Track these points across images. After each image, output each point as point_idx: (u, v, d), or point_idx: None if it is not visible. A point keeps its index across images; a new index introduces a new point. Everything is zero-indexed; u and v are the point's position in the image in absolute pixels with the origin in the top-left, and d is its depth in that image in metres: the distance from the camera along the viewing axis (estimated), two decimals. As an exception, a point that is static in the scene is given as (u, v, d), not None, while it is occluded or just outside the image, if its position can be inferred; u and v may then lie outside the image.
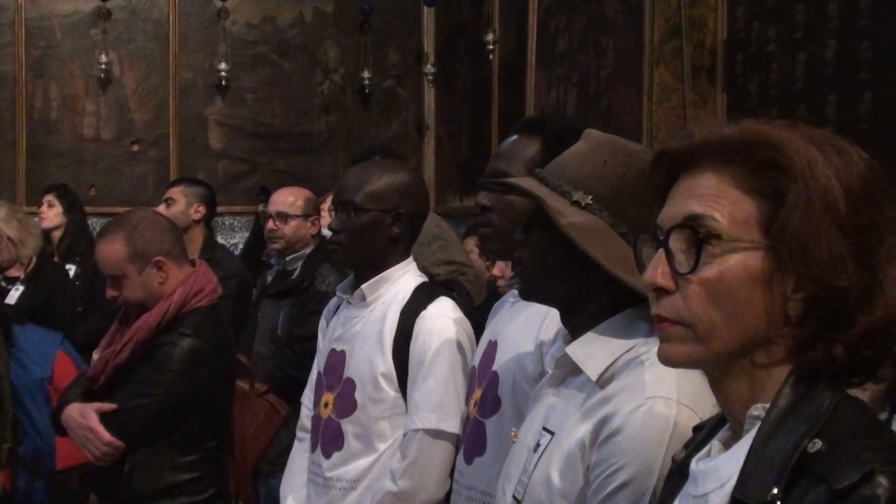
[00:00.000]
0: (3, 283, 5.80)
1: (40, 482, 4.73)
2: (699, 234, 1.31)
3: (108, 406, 3.36)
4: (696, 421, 1.67)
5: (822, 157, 1.29)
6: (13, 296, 5.68)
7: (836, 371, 1.28)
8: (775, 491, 1.19)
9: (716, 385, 1.38)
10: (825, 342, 1.27)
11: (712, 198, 1.32)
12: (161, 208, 5.71)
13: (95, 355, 3.55)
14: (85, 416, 3.35)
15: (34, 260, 5.86)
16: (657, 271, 1.35)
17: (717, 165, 1.34)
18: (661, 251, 1.35)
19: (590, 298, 1.95)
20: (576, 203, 1.92)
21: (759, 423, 1.27)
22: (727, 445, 1.37)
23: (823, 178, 1.27)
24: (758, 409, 1.29)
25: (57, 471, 4.62)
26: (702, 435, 1.46)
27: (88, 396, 3.47)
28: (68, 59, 8.72)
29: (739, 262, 1.30)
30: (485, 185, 2.34)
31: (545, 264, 1.96)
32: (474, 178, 8.21)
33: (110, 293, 3.46)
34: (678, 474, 1.46)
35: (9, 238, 5.66)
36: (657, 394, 1.75)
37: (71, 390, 3.58)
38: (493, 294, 5.33)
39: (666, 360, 1.37)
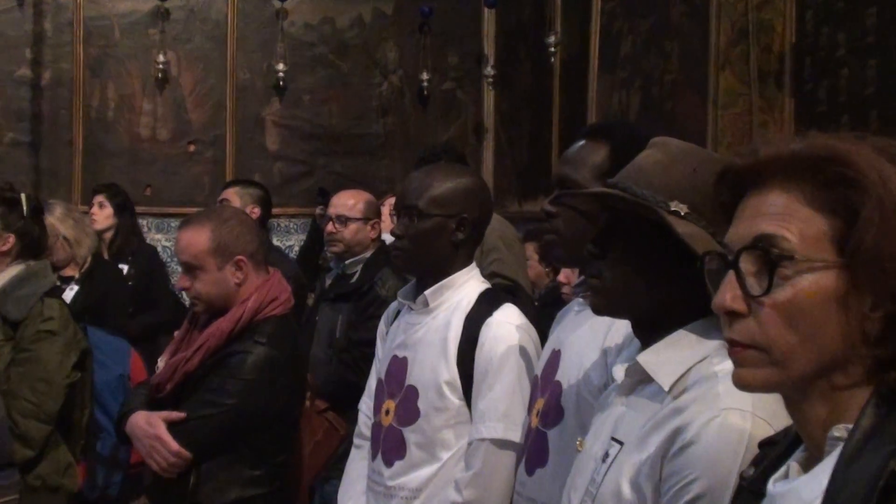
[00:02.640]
0: (59, 283, 5.84)
1: (116, 476, 4.79)
2: (771, 256, 1.30)
3: (176, 415, 3.29)
4: (772, 434, 1.68)
5: (890, 169, 1.27)
6: (68, 295, 5.70)
7: None
8: None
9: (792, 407, 1.38)
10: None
11: (782, 217, 1.31)
12: (216, 210, 5.76)
13: (161, 362, 3.50)
14: (152, 424, 3.29)
15: (89, 260, 5.91)
16: (727, 294, 1.34)
17: (784, 182, 1.33)
18: (731, 273, 1.35)
19: (670, 311, 1.95)
20: (674, 213, 1.91)
21: (840, 445, 1.26)
22: (805, 467, 1.36)
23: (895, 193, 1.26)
24: (840, 431, 1.28)
25: (131, 465, 4.65)
26: (774, 453, 1.46)
27: (153, 405, 3.41)
28: (126, 59, 8.81)
29: (813, 283, 1.28)
30: (568, 196, 2.29)
31: (630, 279, 1.96)
32: (533, 182, 8.23)
33: (182, 283, 3.43)
34: (749, 493, 1.45)
35: (64, 237, 5.71)
36: (732, 405, 1.75)
37: (134, 398, 3.53)
38: (552, 303, 5.33)
39: (742, 385, 1.37)
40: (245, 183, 6.27)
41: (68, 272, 5.84)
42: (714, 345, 1.90)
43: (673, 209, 1.91)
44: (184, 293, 4.31)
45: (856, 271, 1.26)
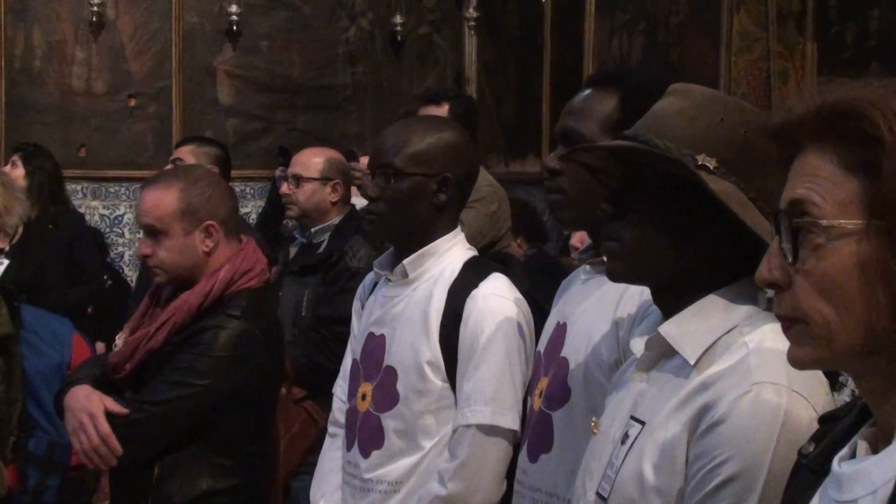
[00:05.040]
0: (-16, 256, 5.82)
1: (53, 479, 4.77)
2: (798, 222, 1.33)
3: (119, 409, 3.22)
4: (810, 410, 1.72)
5: None
6: (-3, 270, 5.71)
7: None
8: None
9: (859, 382, 1.40)
10: None
11: (813, 178, 1.34)
12: (168, 171, 5.75)
13: (119, 340, 3.45)
14: (91, 400, 3.23)
15: (20, 229, 5.87)
16: (767, 264, 1.38)
17: (818, 142, 1.36)
18: (775, 241, 1.38)
19: (694, 276, 1.97)
20: (702, 167, 1.93)
21: None
22: (874, 446, 1.37)
23: None
24: None
25: (73, 467, 4.64)
26: (838, 429, 1.47)
27: (109, 387, 3.34)
28: (55, 0, 8.73)
29: (845, 250, 1.30)
30: (581, 150, 2.27)
31: (653, 241, 1.97)
32: (521, 139, 8.25)
33: (143, 250, 3.40)
34: (808, 471, 1.47)
35: (-10, 205, 5.68)
36: (765, 379, 1.77)
37: (82, 370, 3.48)
38: (539, 270, 5.33)
39: (793, 363, 1.40)
40: (201, 140, 6.20)
41: (-3, 244, 5.83)
42: (744, 313, 1.92)
43: (701, 163, 1.93)
44: (123, 267, 4.27)
45: (890, 233, 1.28)
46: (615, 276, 2.08)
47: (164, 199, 3.34)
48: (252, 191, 8.85)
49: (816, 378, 1.79)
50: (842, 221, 1.31)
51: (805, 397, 1.76)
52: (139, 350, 3.34)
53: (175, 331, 3.31)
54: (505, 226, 5.04)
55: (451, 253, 3.04)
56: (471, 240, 3.24)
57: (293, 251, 5.32)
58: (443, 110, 5.01)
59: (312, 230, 5.10)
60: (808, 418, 1.73)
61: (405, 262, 3.02)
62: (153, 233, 3.36)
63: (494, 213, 4.89)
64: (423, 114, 5.02)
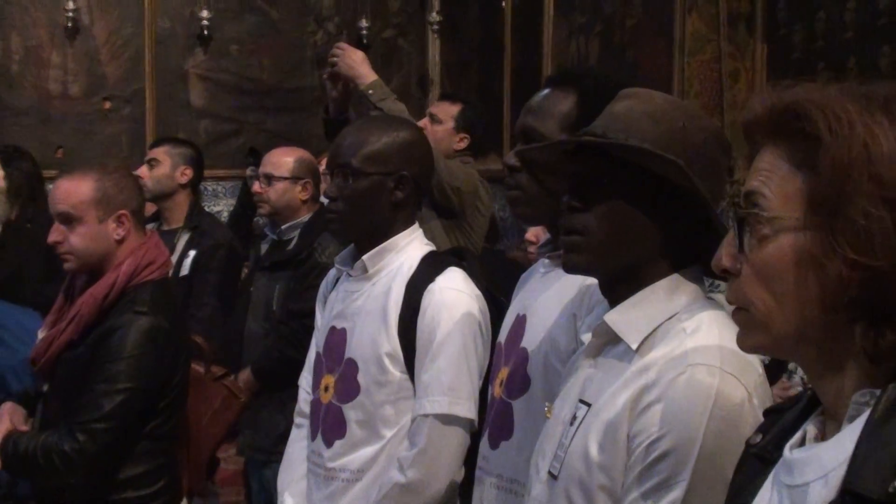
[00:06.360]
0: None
1: (26, 473, 4.72)
2: (746, 213, 1.36)
3: (20, 429, 3.39)
4: (741, 389, 1.80)
5: (866, 118, 1.30)
6: (-25, 268, 5.66)
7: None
8: None
9: (807, 370, 1.42)
10: (874, 328, 1.28)
11: (766, 173, 1.37)
12: (143, 170, 5.70)
13: (40, 334, 3.51)
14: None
15: (-1, 229, 5.83)
16: (722, 252, 1.41)
17: (772, 138, 1.39)
18: (731, 231, 1.40)
19: (643, 268, 2.02)
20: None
21: (867, 410, 1.28)
22: (823, 432, 1.39)
23: (858, 144, 1.28)
24: (864, 396, 1.30)
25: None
26: (787, 418, 1.48)
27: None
28: (31, 6, 8.69)
29: (785, 241, 1.33)
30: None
31: (619, 233, 2.01)
32: (484, 138, 8.24)
33: (54, 237, 3.42)
34: (758, 459, 1.48)
35: (-30, 204, 5.64)
36: (699, 361, 1.83)
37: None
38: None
39: (741, 347, 1.44)
40: (175, 141, 6.17)
41: (-25, 244, 5.77)
42: (685, 301, 2.00)
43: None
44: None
45: (823, 227, 1.29)
46: (574, 269, 2.10)
47: (79, 188, 3.39)
48: (224, 190, 8.82)
49: (747, 360, 1.85)
50: (784, 214, 1.34)
51: (736, 377, 1.82)
52: (53, 345, 3.40)
53: (84, 324, 3.35)
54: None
55: (408, 248, 3.05)
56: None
57: (264, 247, 5.31)
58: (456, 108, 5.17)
59: (283, 227, 5.09)
60: (738, 397, 1.80)
61: (364, 257, 3.03)
62: (67, 220, 3.40)
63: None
64: (434, 110, 5.23)
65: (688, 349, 1.87)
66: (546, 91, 2.57)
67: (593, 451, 1.93)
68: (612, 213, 2.01)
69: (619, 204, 2.00)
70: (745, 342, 1.42)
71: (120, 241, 3.40)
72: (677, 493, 1.79)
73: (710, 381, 1.80)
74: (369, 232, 3.03)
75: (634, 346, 1.96)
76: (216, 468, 4.41)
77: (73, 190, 3.39)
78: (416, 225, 3.12)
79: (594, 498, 1.92)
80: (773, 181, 1.35)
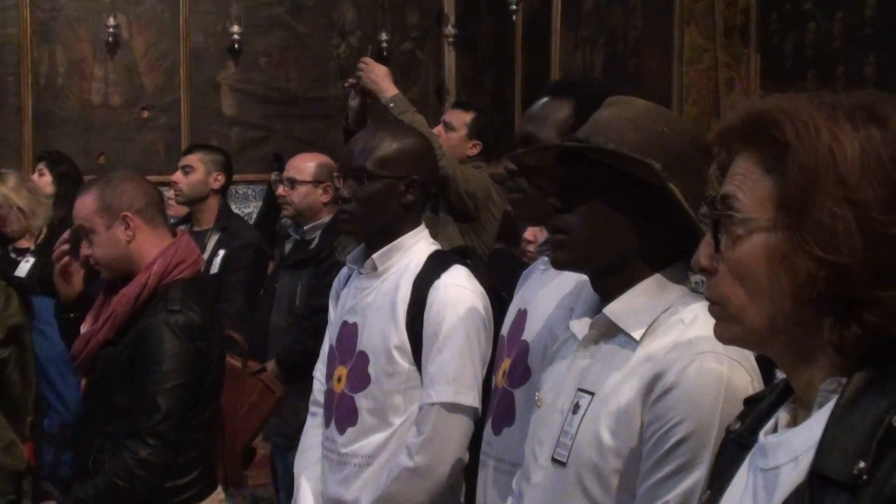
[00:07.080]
0: (13, 255, 5.79)
1: (67, 455, 4.73)
2: (721, 215, 1.38)
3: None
4: (745, 373, 1.82)
5: (831, 125, 1.31)
6: (23, 268, 5.65)
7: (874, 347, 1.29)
8: (862, 465, 1.20)
9: (779, 361, 1.43)
10: (840, 321, 1.29)
11: (741, 177, 1.38)
12: (178, 176, 5.73)
13: (83, 329, 3.49)
14: None
15: (44, 230, 5.85)
16: (701, 252, 1.43)
17: (746, 146, 1.40)
18: (709, 232, 1.42)
19: (629, 263, 2.03)
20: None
21: (834, 398, 1.29)
22: (795, 420, 1.40)
23: (823, 149, 1.29)
24: (832, 384, 1.32)
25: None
26: (762, 406, 1.50)
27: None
28: (75, 23, 8.69)
29: (758, 241, 1.35)
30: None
31: (600, 232, 2.02)
32: (497, 143, 8.23)
33: (84, 251, 3.42)
34: (736, 445, 1.50)
35: (18, 208, 5.66)
36: (706, 349, 1.85)
37: None
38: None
39: (718, 339, 1.46)
40: (208, 148, 6.16)
41: (23, 244, 5.78)
42: (676, 294, 2.02)
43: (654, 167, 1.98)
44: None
45: (792, 227, 1.31)
46: (561, 265, 2.11)
47: (85, 201, 3.40)
48: (254, 193, 8.78)
49: None
50: (756, 215, 1.35)
51: (740, 362, 1.85)
52: (91, 343, 3.39)
53: (118, 323, 3.33)
54: None
55: (416, 247, 3.05)
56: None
57: (288, 247, 5.35)
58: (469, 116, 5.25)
59: (305, 228, 5.11)
60: (745, 381, 1.84)
61: (374, 256, 3.04)
62: (86, 233, 3.40)
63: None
64: (448, 118, 5.29)
65: (692, 338, 1.89)
66: (544, 99, 2.58)
67: (605, 437, 1.93)
68: (592, 214, 2.02)
69: (599, 205, 2.02)
70: (722, 334, 1.44)
71: (130, 241, 3.37)
72: (699, 473, 1.80)
73: (719, 368, 1.83)
74: (380, 232, 3.04)
75: (638, 337, 1.97)
76: (252, 458, 4.43)
77: (80, 205, 3.40)
78: (423, 225, 3.13)
79: (609, 482, 1.93)
80: (746, 185, 1.37)
